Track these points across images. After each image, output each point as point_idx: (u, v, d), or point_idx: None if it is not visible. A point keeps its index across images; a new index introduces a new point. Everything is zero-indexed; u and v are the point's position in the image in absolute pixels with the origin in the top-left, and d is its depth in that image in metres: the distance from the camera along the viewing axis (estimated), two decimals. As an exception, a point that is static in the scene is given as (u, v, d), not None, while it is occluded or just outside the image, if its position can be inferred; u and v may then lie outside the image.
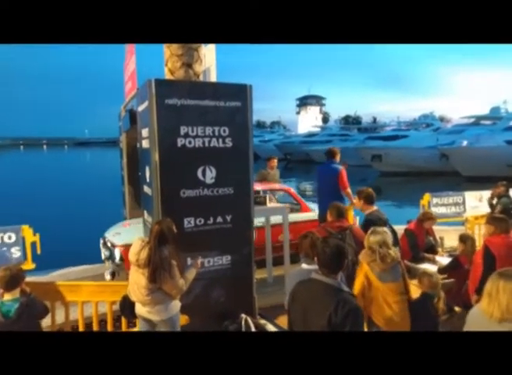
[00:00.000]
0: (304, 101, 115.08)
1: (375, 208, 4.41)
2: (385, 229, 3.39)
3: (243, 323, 3.83)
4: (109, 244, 5.78)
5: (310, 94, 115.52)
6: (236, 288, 4.20)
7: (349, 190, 6.02)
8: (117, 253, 5.60)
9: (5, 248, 4.23)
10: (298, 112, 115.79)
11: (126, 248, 5.48)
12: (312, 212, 6.88)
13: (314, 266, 2.83)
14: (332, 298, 2.21)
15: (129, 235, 5.75)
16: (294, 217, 6.45)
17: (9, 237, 6.38)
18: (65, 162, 57.03)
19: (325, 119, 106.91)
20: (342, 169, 6.12)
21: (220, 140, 4.12)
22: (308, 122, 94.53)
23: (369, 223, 3.97)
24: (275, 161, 7.88)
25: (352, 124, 75.79)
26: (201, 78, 4.85)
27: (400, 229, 5.02)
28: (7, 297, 2.86)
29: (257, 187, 6.88)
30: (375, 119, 76.18)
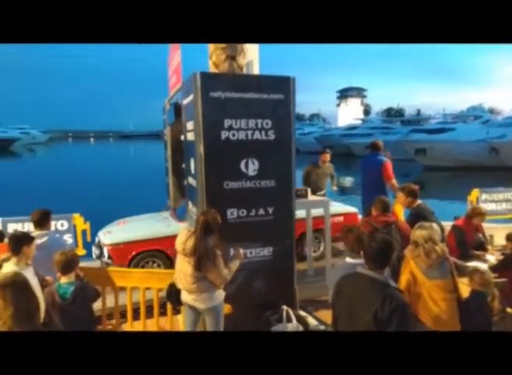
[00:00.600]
0: (344, 93, 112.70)
1: (419, 201, 4.28)
2: (433, 224, 3.28)
3: (284, 314, 3.86)
4: (101, 243, 5.94)
5: (350, 86, 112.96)
6: (278, 280, 4.23)
7: (394, 181, 5.86)
8: (105, 252, 5.74)
9: (58, 235, 4.50)
10: (338, 105, 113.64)
11: (113, 247, 5.65)
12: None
13: (359, 261, 2.80)
14: (378, 293, 2.18)
15: (118, 234, 5.90)
16: None
17: (62, 225, 6.78)
18: (111, 154, 59.39)
19: (367, 112, 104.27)
20: (386, 160, 5.98)
21: (263, 132, 4.14)
22: (349, 114, 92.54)
23: (416, 216, 3.85)
24: (328, 155, 7.44)
25: (394, 117, 73.37)
26: (244, 71, 4.88)
27: (446, 226, 4.83)
28: (63, 280, 3.04)
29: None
30: (419, 112, 73.32)
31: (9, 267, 2.96)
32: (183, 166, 6.14)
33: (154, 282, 3.91)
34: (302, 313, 4.32)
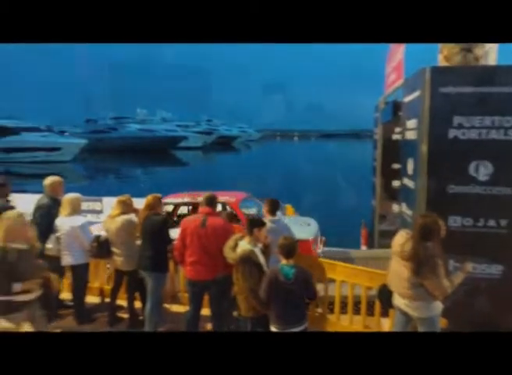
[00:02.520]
0: None
1: None
2: None
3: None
4: None
5: None
6: (506, 304, 3.62)
7: None
8: None
9: (285, 222, 5.05)
10: None
11: None
12: None
13: None
14: None
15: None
16: None
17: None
18: (313, 152, 62.66)
19: None
20: None
21: (501, 131, 3.60)
22: None
23: None
24: None
25: None
26: (481, 62, 4.31)
27: None
28: (284, 262, 3.36)
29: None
30: None
31: (244, 245, 3.47)
32: (395, 166, 5.93)
33: (364, 279, 3.91)
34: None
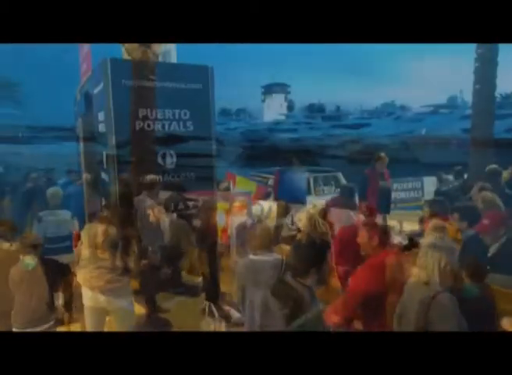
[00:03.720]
0: None
1: None
2: None
3: None
4: None
5: None
6: None
7: None
8: None
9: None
10: None
11: None
12: None
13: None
14: None
15: None
16: None
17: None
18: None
19: None
20: None
21: None
22: None
23: None
24: None
25: None
26: None
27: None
28: (469, 282, 3.18)
29: None
30: None
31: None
32: None
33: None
34: None
